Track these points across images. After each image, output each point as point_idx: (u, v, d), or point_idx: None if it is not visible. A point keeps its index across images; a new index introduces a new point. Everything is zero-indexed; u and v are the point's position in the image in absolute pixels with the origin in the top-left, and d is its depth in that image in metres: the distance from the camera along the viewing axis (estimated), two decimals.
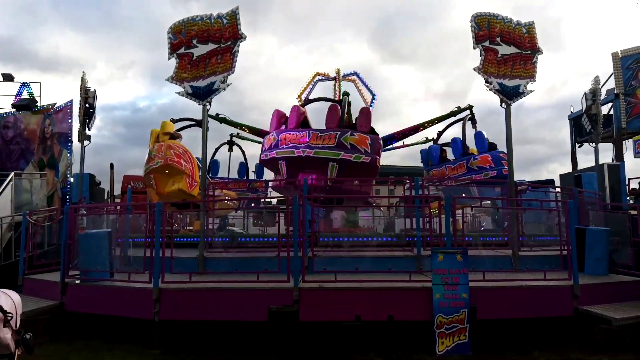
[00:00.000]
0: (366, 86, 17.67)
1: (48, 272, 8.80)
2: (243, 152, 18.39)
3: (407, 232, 9.61)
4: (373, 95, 17.09)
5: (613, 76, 18.97)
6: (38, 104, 16.27)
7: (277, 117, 12.32)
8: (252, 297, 6.72)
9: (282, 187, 12.52)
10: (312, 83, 18.84)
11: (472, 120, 14.65)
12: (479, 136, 14.18)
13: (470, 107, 14.75)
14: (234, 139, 17.77)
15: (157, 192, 11.20)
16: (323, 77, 18.62)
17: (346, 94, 13.95)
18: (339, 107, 12.00)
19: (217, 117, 14.49)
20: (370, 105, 16.91)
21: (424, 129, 14.82)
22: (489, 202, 15.23)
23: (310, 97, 17.83)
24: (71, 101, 15.27)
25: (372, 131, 11.76)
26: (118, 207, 11.93)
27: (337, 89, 18.20)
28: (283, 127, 12.08)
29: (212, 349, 6.72)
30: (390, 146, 15.93)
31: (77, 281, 7.74)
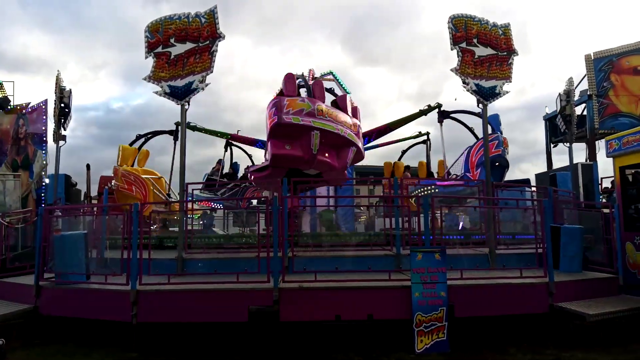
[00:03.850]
0: (341, 85, 17.96)
1: (22, 275, 8.59)
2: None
3: (386, 232, 9.65)
4: (347, 93, 17.39)
5: (586, 78, 19.44)
6: (11, 104, 15.87)
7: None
8: (232, 298, 6.67)
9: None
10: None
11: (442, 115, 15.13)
12: None
13: (439, 106, 15.14)
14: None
15: None
16: (300, 80, 18.64)
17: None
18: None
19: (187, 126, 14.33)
20: None
21: (393, 128, 14.95)
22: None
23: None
24: (46, 101, 14.85)
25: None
26: (94, 209, 11.73)
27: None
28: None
29: (191, 351, 6.66)
30: (373, 143, 15.95)
31: (53, 283, 7.58)
